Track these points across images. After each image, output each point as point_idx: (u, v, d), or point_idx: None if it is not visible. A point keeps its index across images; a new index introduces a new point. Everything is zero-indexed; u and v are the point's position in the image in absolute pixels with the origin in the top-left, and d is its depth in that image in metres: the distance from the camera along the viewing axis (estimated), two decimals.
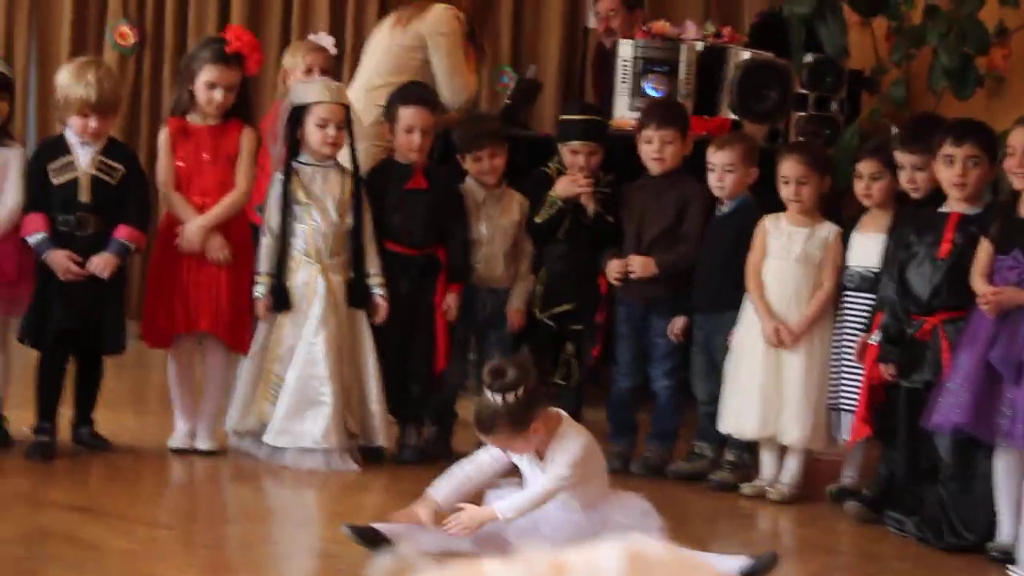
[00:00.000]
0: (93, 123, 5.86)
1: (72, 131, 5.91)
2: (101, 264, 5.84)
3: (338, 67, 8.55)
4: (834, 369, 6.01)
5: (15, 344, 6.01)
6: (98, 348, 6.01)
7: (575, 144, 6.43)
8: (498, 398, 4.66)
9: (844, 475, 6.14)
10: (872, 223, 6.02)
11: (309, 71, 7.12)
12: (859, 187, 6.04)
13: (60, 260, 5.81)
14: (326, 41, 8.09)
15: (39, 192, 5.87)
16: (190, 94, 6.12)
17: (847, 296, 6.01)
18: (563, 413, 4.93)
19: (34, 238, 5.83)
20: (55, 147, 5.97)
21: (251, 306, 6.08)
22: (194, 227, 6.01)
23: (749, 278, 6.10)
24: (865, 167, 6.03)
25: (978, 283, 5.34)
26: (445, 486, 4.89)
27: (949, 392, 5.29)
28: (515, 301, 6.41)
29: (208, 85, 6.06)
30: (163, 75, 8.91)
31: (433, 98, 6.58)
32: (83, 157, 5.89)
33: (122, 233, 5.90)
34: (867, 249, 5.97)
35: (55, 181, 5.86)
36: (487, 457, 4.92)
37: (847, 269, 6.02)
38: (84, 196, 5.88)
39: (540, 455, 4.81)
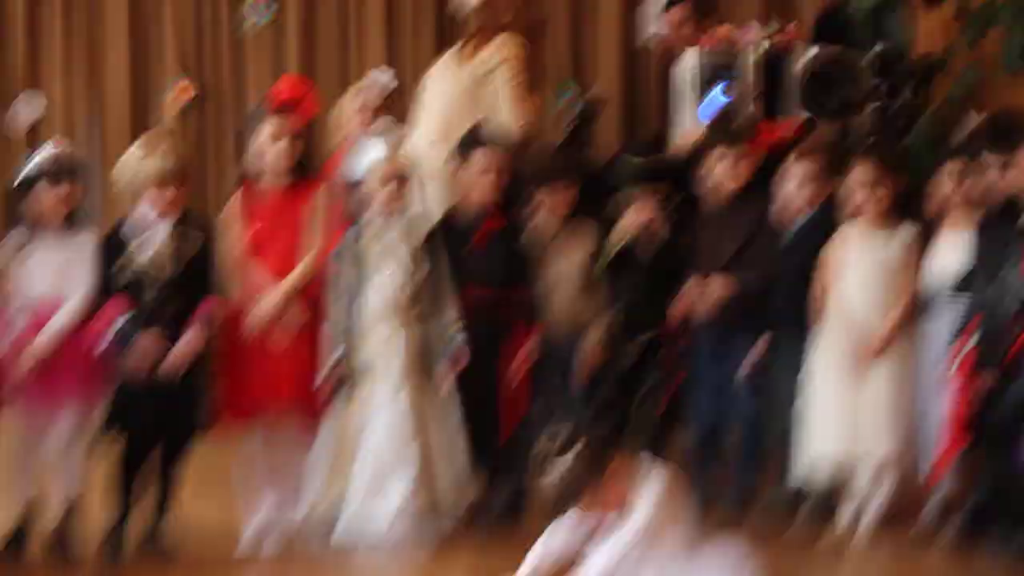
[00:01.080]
0: (171, 193, 5.76)
1: (148, 206, 5.79)
2: (192, 342, 5.72)
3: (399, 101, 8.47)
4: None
5: None
6: (188, 427, 5.86)
7: (631, 191, 6.32)
8: (561, 463, 4.53)
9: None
10: (959, 222, 5.86)
11: (365, 111, 7.07)
12: (946, 186, 5.88)
13: (148, 345, 5.68)
14: (383, 78, 7.98)
15: (120, 272, 5.74)
16: (256, 158, 6.02)
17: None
18: (643, 455, 4.78)
19: (121, 321, 5.72)
20: (133, 226, 5.82)
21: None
22: (266, 302, 5.90)
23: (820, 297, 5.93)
24: (952, 166, 5.88)
25: None
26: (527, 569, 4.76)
27: None
28: (592, 336, 6.27)
29: (271, 137, 5.98)
30: (225, 127, 8.86)
31: (503, 138, 6.48)
32: (162, 231, 5.77)
33: (205, 307, 5.80)
34: (955, 249, 5.81)
35: (136, 259, 5.74)
36: (564, 525, 4.77)
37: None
38: (165, 272, 5.76)
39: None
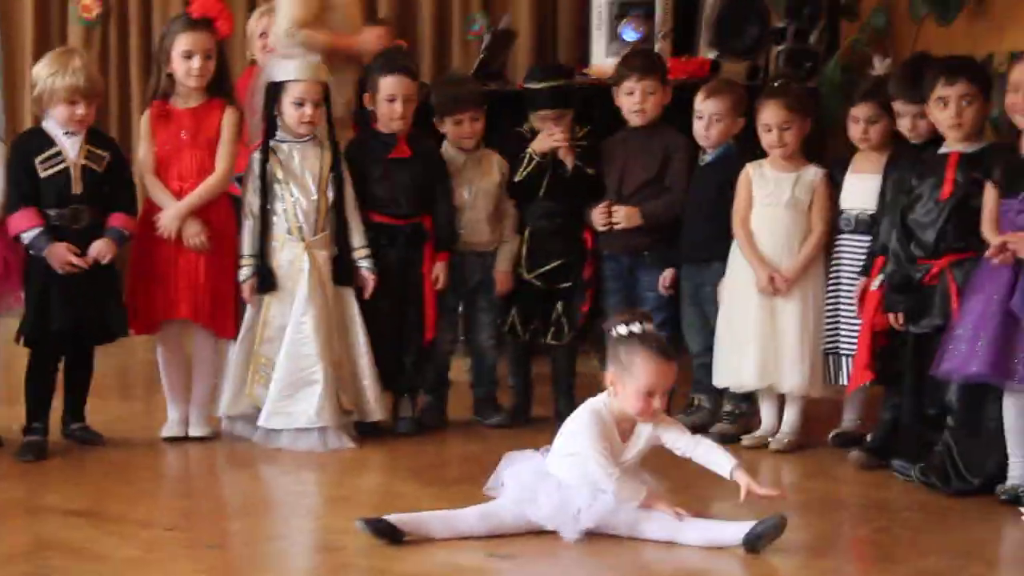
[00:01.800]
0: (81, 110, 5.75)
1: (57, 122, 5.77)
2: (104, 249, 5.74)
3: None
4: (831, 313, 5.95)
5: None
6: (99, 338, 5.92)
7: (544, 112, 6.33)
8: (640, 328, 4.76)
9: (844, 419, 6.10)
10: (866, 163, 5.94)
11: (265, 35, 7.02)
12: (855, 131, 5.94)
13: (60, 253, 5.69)
14: None
15: (27, 187, 5.73)
16: (168, 76, 6.00)
17: (842, 239, 5.95)
18: None
19: (29, 234, 5.70)
20: (38, 140, 5.82)
21: (236, 290, 5.98)
22: (171, 213, 5.91)
23: (736, 227, 6.03)
24: (861, 111, 5.93)
25: (988, 232, 5.25)
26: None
27: (959, 338, 5.21)
28: (501, 263, 6.34)
29: (185, 55, 5.95)
30: (129, 48, 8.77)
31: (414, 65, 6.46)
32: (70, 148, 5.76)
33: (117, 220, 5.81)
34: (862, 190, 5.90)
35: (44, 174, 5.73)
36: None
37: (842, 212, 5.94)
38: (76, 188, 5.76)
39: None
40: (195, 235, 5.92)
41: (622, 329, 4.78)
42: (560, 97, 6.37)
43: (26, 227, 5.71)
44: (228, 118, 6.02)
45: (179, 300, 5.95)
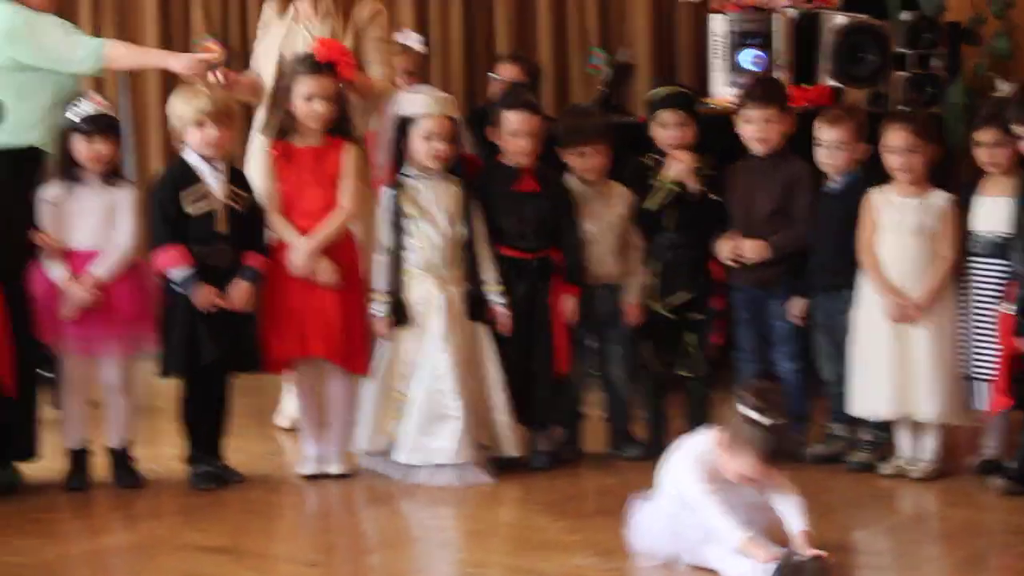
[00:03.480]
0: (211, 131, 5.81)
1: (192, 148, 5.85)
2: (244, 297, 5.83)
3: (426, 66, 8.50)
4: (965, 337, 5.89)
5: None
6: (239, 368, 5.99)
7: (663, 116, 6.32)
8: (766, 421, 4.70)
9: (986, 446, 6.01)
10: (996, 186, 5.89)
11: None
12: (981, 155, 5.90)
13: (205, 296, 5.77)
14: (413, 40, 8.00)
15: (174, 223, 5.81)
16: (288, 114, 6.06)
17: (976, 262, 5.89)
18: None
19: (178, 273, 5.79)
20: (185, 175, 5.88)
21: (367, 326, 6.02)
22: (301, 251, 5.96)
23: (862, 255, 5.98)
24: (984, 136, 5.88)
25: None
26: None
27: None
28: (630, 296, 6.31)
29: (306, 99, 6.01)
30: None
31: (537, 101, 6.48)
32: (216, 186, 5.85)
33: (253, 260, 5.88)
34: (993, 213, 5.85)
35: (189, 209, 5.81)
36: None
37: (973, 235, 5.89)
38: (221, 227, 5.84)
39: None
40: (327, 271, 5.97)
41: (752, 414, 4.73)
42: (680, 100, 6.38)
43: (174, 264, 5.78)
44: (348, 154, 6.07)
45: (312, 338, 5.98)
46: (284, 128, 6.08)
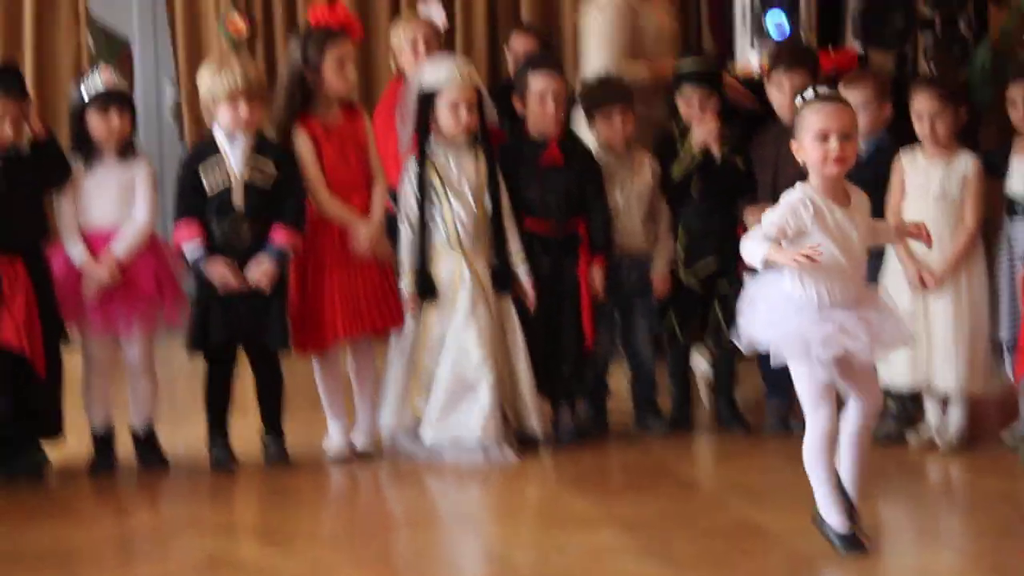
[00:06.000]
0: (243, 111, 5.73)
1: (221, 125, 5.78)
2: (262, 277, 5.75)
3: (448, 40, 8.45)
4: (996, 302, 5.84)
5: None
6: (261, 348, 5.89)
7: (686, 91, 6.28)
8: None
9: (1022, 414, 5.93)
10: None
11: (415, 46, 7.03)
12: (1015, 114, 5.83)
13: (219, 271, 5.72)
14: (436, 15, 7.94)
15: (191, 197, 5.77)
16: (305, 90, 5.93)
17: (1014, 221, 5.84)
18: None
19: (189, 248, 5.76)
20: (204, 147, 5.84)
21: (395, 284, 5.98)
22: (367, 235, 5.87)
23: (888, 218, 5.92)
24: (1018, 92, 5.81)
25: None
26: None
27: None
28: (658, 266, 6.28)
29: (338, 63, 5.92)
30: (276, 68, 8.84)
31: (561, 64, 6.43)
32: (234, 159, 5.77)
33: (280, 236, 5.78)
34: None
35: (209, 185, 5.76)
36: None
37: (1008, 196, 5.83)
38: (236, 200, 5.76)
39: None
40: (385, 250, 5.95)
41: (806, 94, 4.59)
42: (704, 74, 6.33)
43: (187, 239, 5.75)
44: (369, 127, 6.04)
45: (347, 320, 5.89)
46: (302, 103, 5.96)
